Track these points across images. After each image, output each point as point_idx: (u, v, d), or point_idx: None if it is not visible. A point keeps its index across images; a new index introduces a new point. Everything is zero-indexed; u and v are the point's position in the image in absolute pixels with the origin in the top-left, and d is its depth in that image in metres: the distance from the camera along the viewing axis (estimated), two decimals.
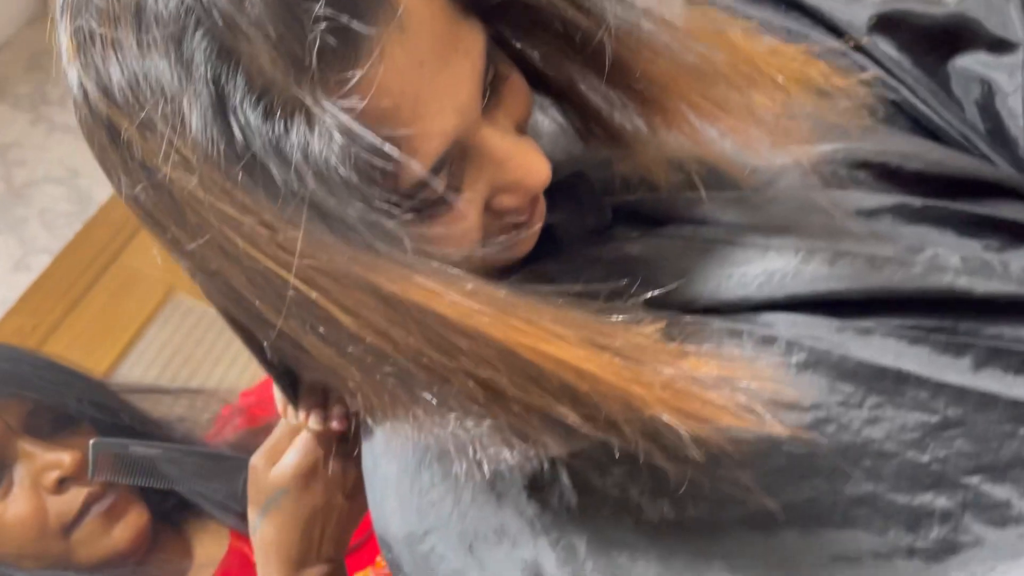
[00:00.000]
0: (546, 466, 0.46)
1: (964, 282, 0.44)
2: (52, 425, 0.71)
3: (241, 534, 0.77)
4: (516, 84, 0.45)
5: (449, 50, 0.38)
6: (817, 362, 0.44)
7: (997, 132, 0.54)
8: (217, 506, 0.75)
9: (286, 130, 0.34)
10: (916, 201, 0.48)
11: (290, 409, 0.57)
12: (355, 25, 0.34)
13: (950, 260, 0.45)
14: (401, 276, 0.36)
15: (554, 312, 0.37)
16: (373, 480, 0.53)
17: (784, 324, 0.45)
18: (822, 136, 0.50)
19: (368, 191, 0.36)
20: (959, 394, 0.42)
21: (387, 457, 0.52)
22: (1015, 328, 0.44)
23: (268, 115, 0.34)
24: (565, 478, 0.45)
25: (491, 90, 0.43)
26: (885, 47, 0.55)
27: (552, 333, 0.36)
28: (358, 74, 0.34)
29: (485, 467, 0.42)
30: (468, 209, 0.43)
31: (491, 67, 0.42)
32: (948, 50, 0.56)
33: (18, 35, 2.22)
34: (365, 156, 0.35)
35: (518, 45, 0.46)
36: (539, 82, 0.48)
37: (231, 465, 0.80)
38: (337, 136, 0.34)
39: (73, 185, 2.06)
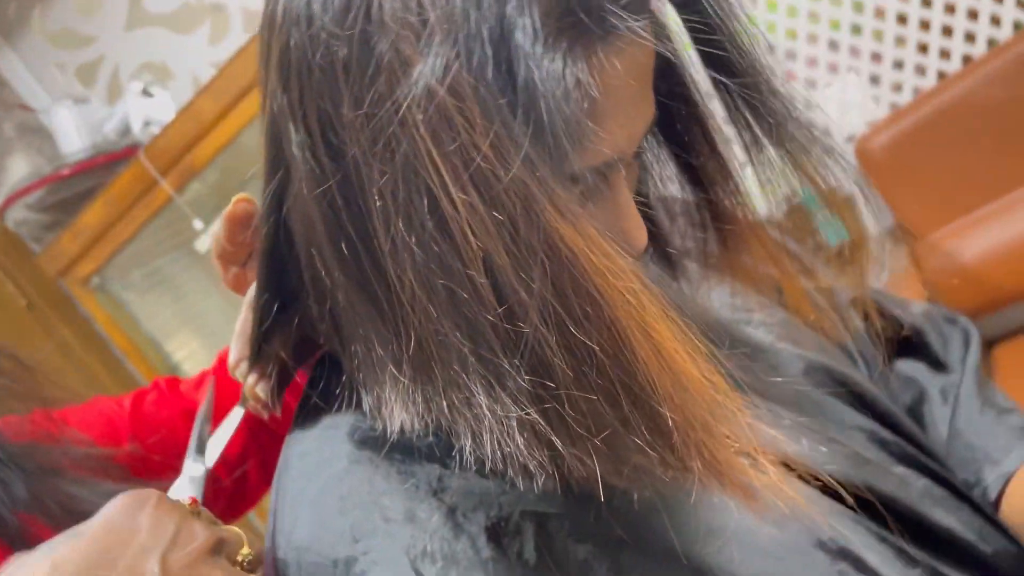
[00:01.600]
0: (515, 517, 0.43)
1: (927, 505, 0.48)
2: None
3: None
4: (636, 167, 0.49)
5: (649, 81, 0.42)
6: (794, 521, 0.45)
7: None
8: None
9: (547, 53, 0.35)
10: (888, 435, 0.53)
11: (244, 365, 0.51)
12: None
13: (918, 482, 0.49)
14: (570, 213, 0.36)
15: (683, 321, 0.37)
16: (294, 475, 0.47)
17: (768, 482, 0.47)
18: (819, 348, 0.56)
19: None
20: None
21: (323, 454, 0.46)
22: (959, 572, 0.48)
23: (537, 36, 0.35)
24: (529, 535, 0.43)
25: None
26: (856, 321, 0.64)
27: (677, 331, 0.37)
28: (622, 43, 0.37)
29: (495, 452, 0.39)
30: None
31: None
32: (900, 351, 0.65)
33: None
34: (580, 116, 0.37)
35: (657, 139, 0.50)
36: None
37: None
38: (583, 78, 0.36)
39: None
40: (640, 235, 0.45)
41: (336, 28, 0.38)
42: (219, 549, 0.40)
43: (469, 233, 0.36)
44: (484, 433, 0.39)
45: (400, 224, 0.38)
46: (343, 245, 0.41)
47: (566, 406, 0.37)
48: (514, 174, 0.35)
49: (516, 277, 0.36)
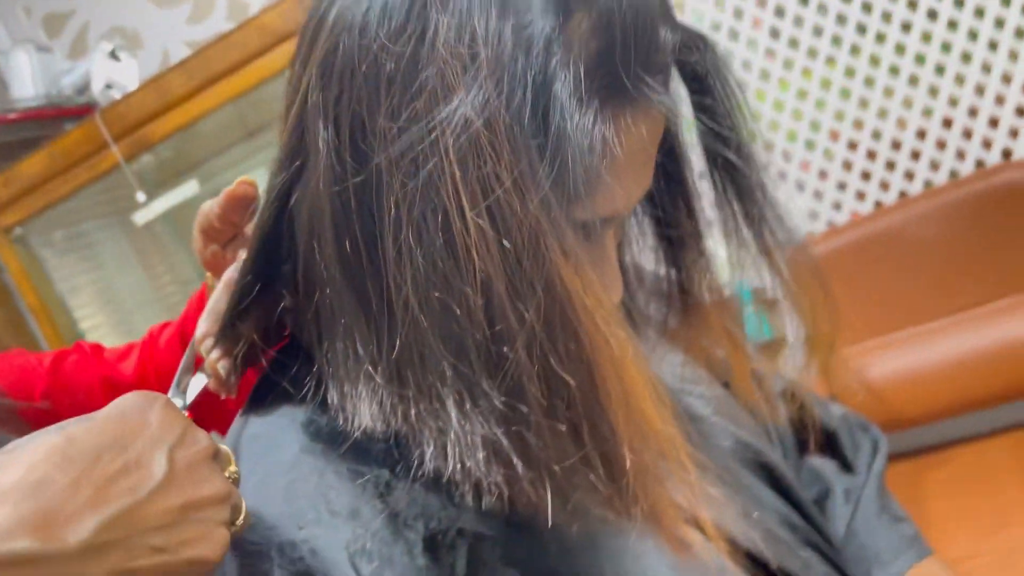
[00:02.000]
0: (452, 532, 0.45)
1: None
2: None
3: None
4: (621, 227, 0.52)
5: (656, 149, 0.45)
6: None
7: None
8: None
9: (581, 107, 0.38)
10: (798, 520, 0.57)
11: (210, 341, 0.51)
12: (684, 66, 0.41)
13: (820, 568, 0.53)
14: (573, 255, 0.38)
15: (653, 374, 0.40)
16: (243, 455, 0.48)
17: (697, 539, 0.50)
18: (749, 428, 0.60)
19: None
20: None
21: (275, 440, 0.47)
22: None
23: (575, 91, 0.38)
24: (463, 552, 0.44)
25: None
26: (782, 410, 0.68)
27: (647, 382, 0.39)
28: (649, 111, 0.41)
29: (455, 464, 0.40)
30: None
31: None
32: (817, 447, 0.70)
33: None
34: (601, 169, 0.40)
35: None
36: None
37: None
38: (609, 136, 0.39)
39: None
40: (617, 289, 0.48)
41: (389, 43, 0.40)
42: (216, 457, 0.42)
43: (475, 255, 0.38)
44: (448, 445, 0.40)
45: (410, 235, 0.39)
46: (347, 243, 0.42)
47: (532, 432, 0.39)
48: (530, 210, 0.38)
49: (511, 304, 0.38)
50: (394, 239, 0.40)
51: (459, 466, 0.40)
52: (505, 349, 0.39)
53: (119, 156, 1.63)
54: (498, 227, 0.38)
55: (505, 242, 0.38)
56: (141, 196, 1.65)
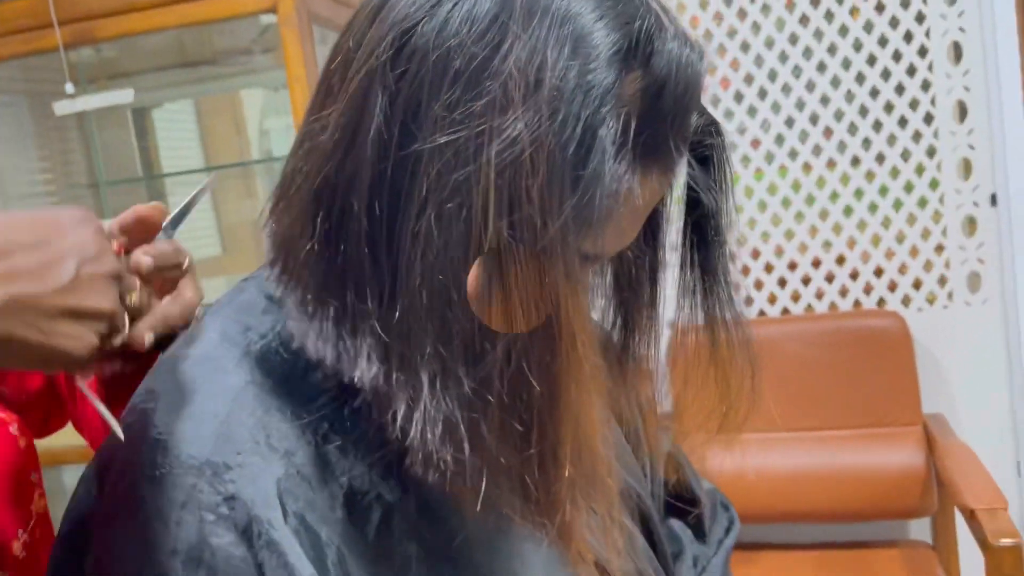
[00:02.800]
0: (371, 495, 0.48)
1: None
2: None
3: None
4: None
5: (648, 212, 0.50)
6: None
7: None
8: None
9: (618, 154, 0.43)
10: (661, 570, 0.63)
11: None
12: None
13: None
14: (572, 277, 0.42)
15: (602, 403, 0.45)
16: (186, 369, 0.49)
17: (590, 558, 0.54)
18: (636, 478, 0.65)
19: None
20: None
21: (224, 365, 0.49)
22: None
23: (616, 139, 0.43)
24: (375, 517, 0.48)
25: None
26: (660, 471, 0.74)
27: (602, 407, 0.44)
28: (672, 175, 0.46)
29: (415, 432, 0.43)
30: None
31: None
32: (679, 511, 0.76)
33: None
34: (618, 212, 0.45)
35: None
36: None
37: None
38: (635, 189, 0.44)
39: None
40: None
41: (466, 42, 0.43)
42: (118, 279, 0.47)
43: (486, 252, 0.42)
44: (415, 413, 0.43)
45: (432, 218, 0.42)
46: (376, 206, 0.44)
47: (488, 423, 0.43)
48: (549, 230, 0.41)
49: (492, 297, 0.42)
50: (416, 218, 0.43)
51: (419, 435, 0.43)
52: (487, 345, 0.42)
53: (60, 40, 1.57)
54: (515, 236, 0.42)
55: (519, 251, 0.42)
56: (70, 87, 1.59)
